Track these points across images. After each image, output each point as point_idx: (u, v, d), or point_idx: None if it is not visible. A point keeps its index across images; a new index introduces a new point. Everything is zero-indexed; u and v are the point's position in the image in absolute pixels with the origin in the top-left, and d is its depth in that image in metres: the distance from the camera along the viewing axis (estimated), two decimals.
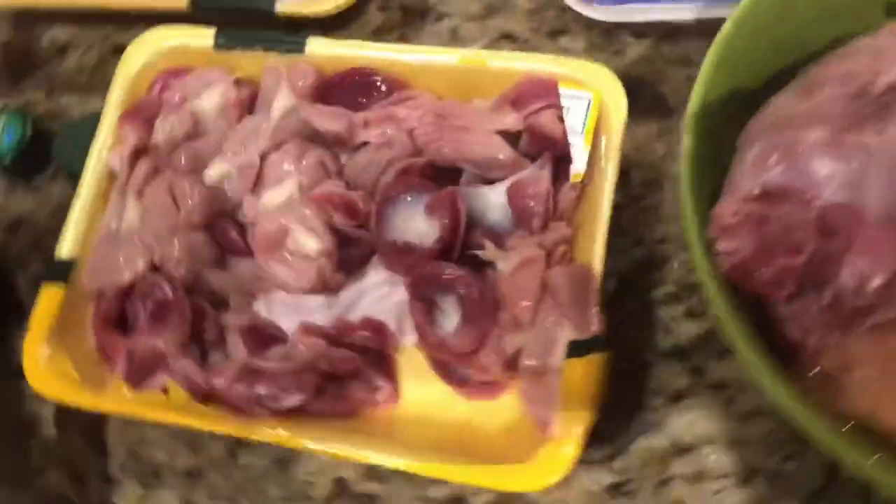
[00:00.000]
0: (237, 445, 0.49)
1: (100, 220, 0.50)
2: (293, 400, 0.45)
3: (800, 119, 0.32)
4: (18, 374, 0.47)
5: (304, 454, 0.48)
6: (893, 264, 0.30)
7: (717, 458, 0.44)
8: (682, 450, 0.44)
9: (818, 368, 0.35)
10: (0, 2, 0.60)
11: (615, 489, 0.45)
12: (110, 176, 0.51)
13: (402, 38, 0.56)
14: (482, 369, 0.43)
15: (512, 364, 0.43)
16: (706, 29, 0.39)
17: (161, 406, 0.46)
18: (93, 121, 0.52)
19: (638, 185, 0.49)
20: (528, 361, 0.42)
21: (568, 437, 0.39)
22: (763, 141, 0.33)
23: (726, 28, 0.36)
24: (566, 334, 0.41)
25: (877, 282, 0.30)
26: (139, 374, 0.46)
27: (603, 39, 0.53)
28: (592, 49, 0.53)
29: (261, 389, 0.45)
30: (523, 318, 0.42)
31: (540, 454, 0.40)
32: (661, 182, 0.49)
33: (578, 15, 0.52)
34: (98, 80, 0.61)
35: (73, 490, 0.51)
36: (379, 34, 0.56)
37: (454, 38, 0.56)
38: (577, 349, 0.41)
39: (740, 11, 0.36)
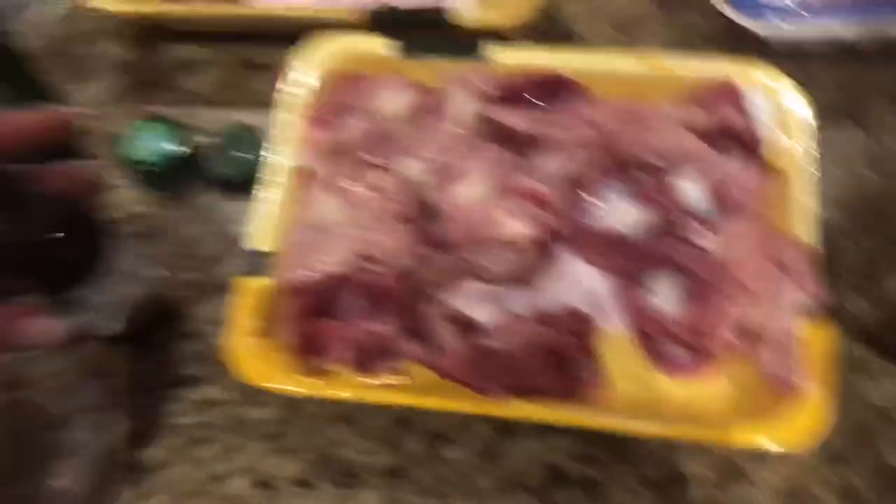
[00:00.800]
0: (437, 440, 0.49)
1: (288, 216, 0.49)
2: (522, 378, 0.45)
3: None
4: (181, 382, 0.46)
5: (509, 444, 0.48)
6: None
7: None
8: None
9: None
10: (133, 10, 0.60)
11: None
12: (292, 174, 0.50)
13: None
14: (714, 339, 0.45)
15: (745, 334, 0.45)
16: None
17: (395, 390, 0.45)
18: (235, 129, 0.53)
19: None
20: (763, 329, 0.45)
21: (818, 398, 0.42)
22: None
23: None
24: (795, 298, 0.44)
25: None
26: (368, 359, 0.45)
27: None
28: None
29: (490, 368, 0.45)
30: (752, 286, 0.45)
31: (792, 413, 0.42)
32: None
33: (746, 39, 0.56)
34: (228, 94, 0.61)
35: (259, 497, 0.48)
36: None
37: None
38: (807, 313, 0.44)
39: None
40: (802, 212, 0.47)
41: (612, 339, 0.48)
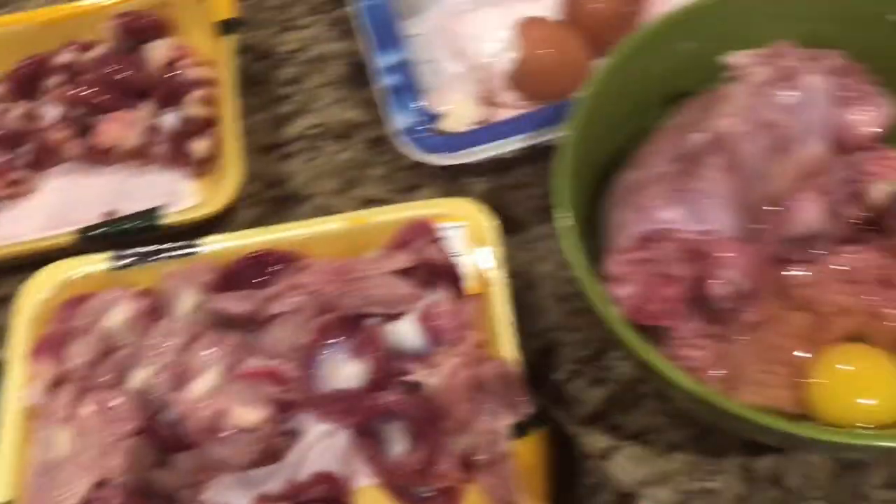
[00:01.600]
0: None
1: (25, 459, 0.50)
2: None
3: (644, 183, 0.42)
4: None
5: None
6: (748, 271, 0.39)
7: (653, 493, 0.49)
8: (624, 495, 0.50)
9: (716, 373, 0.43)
10: None
11: None
12: (29, 413, 0.51)
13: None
14: (441, 478, 0.47)
15: (467, 465, 0.47)
16: (529, 156, 0.51)
17: None
18: None
19: (517, 289, 0.57)
20: (480, 456, 0.47)
21: None
22: (622, 205, 0.41)
23: (566, 134, 0.45)
24: (505, 420, 0.47)
25: (734, 288, 0.39)
26: None
27: (450, 185, 0.63)
28: (444, 195, 0.62)
29: None
30: (465, 418, 0.47)
31: None
32: (534, 282, 0.57)
33: (423, 168, 0.60)
34: None
35: None
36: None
37: (323, 214, 0.62)
38: (518, 431, 0.46)
39: (577, 113, 0.46)
40: (504, 329, 0.50)
41: (368, 494, 0.49)
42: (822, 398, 0.42)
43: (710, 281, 0.39)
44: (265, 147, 0.66)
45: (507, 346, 0.49)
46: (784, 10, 0.50)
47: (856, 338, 0.44)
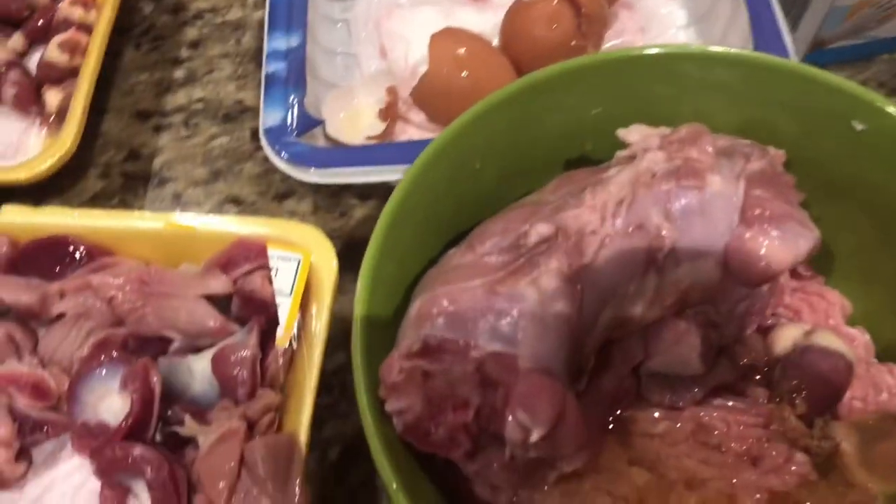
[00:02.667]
0: None
1: None
2: None
3: (461, 271, 0.32)
4: None
5: None
6: (549, 416, 0.29)
7: None
8: None
9: None
10: None
11: None
12: None
13: (122, 204, 0.54)
14: None
15: None
16: None
17: None
18: None
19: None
20: None
21: None
22: (427, 293, 0.32)
23: (391, 204, 0.36)
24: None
25: (536, 435, 0.29)
26: None
27: (329, 202, 0.53)
28: (318, 211, 0.53)
29: None
30: (217, 499, 0.38)
31: None
32: None
33: None
34: None
35: None
36: (97, 201, 0.54)
37: (178, 203, 0.54)
38: None
39: (404, 184, 0.36)
40: (306, 400, 0.41)
41: None
42: None
43: (503, 419, 0.30)
44: (141, 112, 0.57)
45: (304, 419, 0.40)
46: (725, 81, 0.40)
47: None
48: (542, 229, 0.32)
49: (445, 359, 0.30)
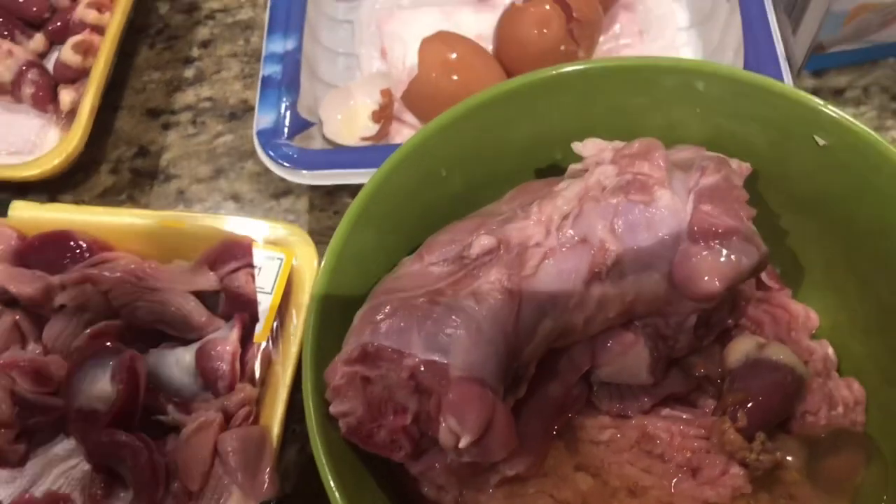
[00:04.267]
0: None
1: None
2: None
3: (407, 280, 0.34)
4: None
5: None
6: (478, 423, 0.30)
7: None
8: None
9: None
10: None
11: None
12: None
13: (130, 200, 0.56)
14: None
15: None
16: None
17: None
18: None
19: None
20: None
21: None
22: (372, 300, 0.33)
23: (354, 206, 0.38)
24: (234, 501, 0.40)
25: (465, 441, 0.30)
26: None
27: (324, 200, 0.55)
28: (314, 210, 0.55)
29: None
30: (192, 486, 0.41)
31: None
32: None
33: None
34: None
35: None
36: (106, 196, 0.57)
37: (181, 199, 0.56)
38: None
39: (371, 183, 0.38)
40: (281, 394, 0.43)
41: None
42: None
43: (437, 424, 0.31)
44: (152, 110, 0.60)
45: (277, 412, 0.42)
46: (697, 93, 0.40)
47: None
48: (484, 241, 0.33)
49: (382, 365, 0.31)
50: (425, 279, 0.33)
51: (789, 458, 0.36)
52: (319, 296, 0.35)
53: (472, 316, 0.32)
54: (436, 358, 0.31)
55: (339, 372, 0.32)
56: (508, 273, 0.33)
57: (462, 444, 0.30)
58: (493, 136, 0.41)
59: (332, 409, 0.33)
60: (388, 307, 0.32)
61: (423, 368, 0.31)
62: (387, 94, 0.54)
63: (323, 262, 0.36)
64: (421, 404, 0.32)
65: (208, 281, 0.47)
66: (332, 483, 0.31)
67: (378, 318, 0.32)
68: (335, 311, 0.35)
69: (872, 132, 0.36)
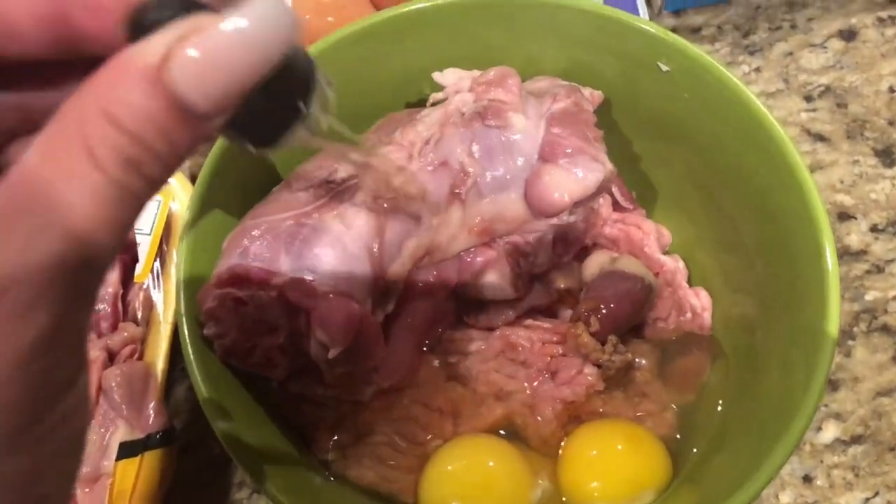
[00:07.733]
0: None
1: None
2: None
3: (275, 205, 0.35)
4: None
5: None
6: (345, 334, 0.32)
7: None
8: None
9: (335, 439, 0.37)
10: None
11: None
12: None
13: None
14: None
15: None
16: None
17: None
18: None
19: None
20: (84, 469, 0.41)
21: None
22: (241, 225, 0.35)
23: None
24: (119, 435, 0.41)
25: (333, 352, 0.32)
26: None
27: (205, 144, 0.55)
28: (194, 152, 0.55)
29: None
30: None
31: None
32: None
33: None
34: None
35: None
36: None
37: None
38: (132, 449, 0.41)
39: None
40: (163, 330, 0.44)
41: None
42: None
43: (308, 340, 0.33)
44: None
45: (162, 347, 0.43)
46: (552, 27, 0.42)
47: (506, 428, 0.38)
48: (348, 168, 0.35)
49: (252, 286, 0.33)
50: (293, 204, 0.35)
51: (642, 361, 0.39)
52: (190, 222, 0.36)
53: (338, 236, 0.33)
54: (303, 276, 0.33)
55: (210, 295, 0.33)
56: (373, 195, 0.34)
57: (331, 355, 0.32)
58: (364, 71, 0.42)
59: (205, 331, 0.34)
60: (255, 230, 0.34)
61: (291, 287, 0.33)
62: None
63: (194, 189, 0.37)
64: (292, 322, 0.33)
65: None
66: (208, 401, 0.33)
67: (246, 241, 0.33)
68: (208, 239, 0.36)
69: (706, 55, 0.39)
